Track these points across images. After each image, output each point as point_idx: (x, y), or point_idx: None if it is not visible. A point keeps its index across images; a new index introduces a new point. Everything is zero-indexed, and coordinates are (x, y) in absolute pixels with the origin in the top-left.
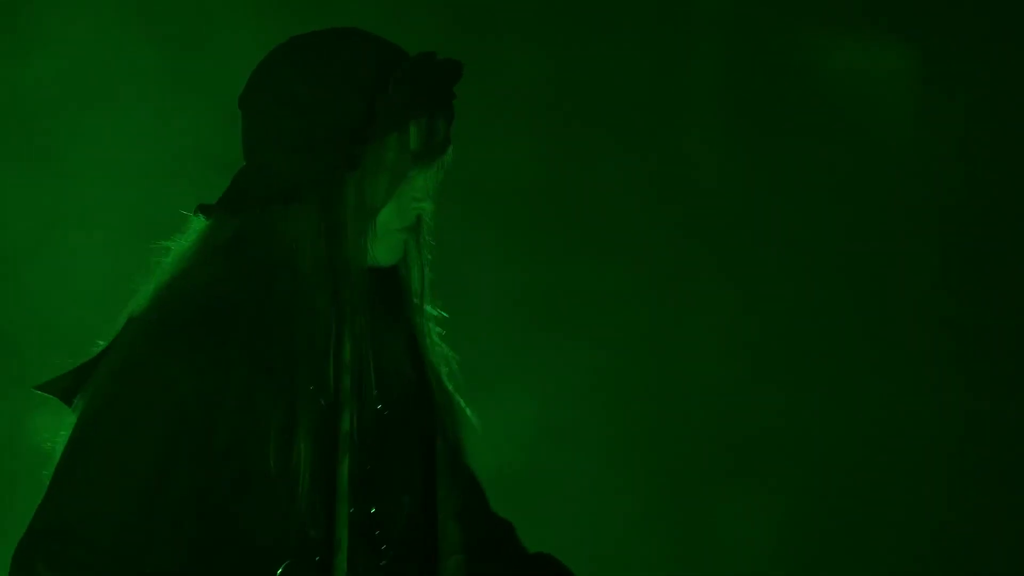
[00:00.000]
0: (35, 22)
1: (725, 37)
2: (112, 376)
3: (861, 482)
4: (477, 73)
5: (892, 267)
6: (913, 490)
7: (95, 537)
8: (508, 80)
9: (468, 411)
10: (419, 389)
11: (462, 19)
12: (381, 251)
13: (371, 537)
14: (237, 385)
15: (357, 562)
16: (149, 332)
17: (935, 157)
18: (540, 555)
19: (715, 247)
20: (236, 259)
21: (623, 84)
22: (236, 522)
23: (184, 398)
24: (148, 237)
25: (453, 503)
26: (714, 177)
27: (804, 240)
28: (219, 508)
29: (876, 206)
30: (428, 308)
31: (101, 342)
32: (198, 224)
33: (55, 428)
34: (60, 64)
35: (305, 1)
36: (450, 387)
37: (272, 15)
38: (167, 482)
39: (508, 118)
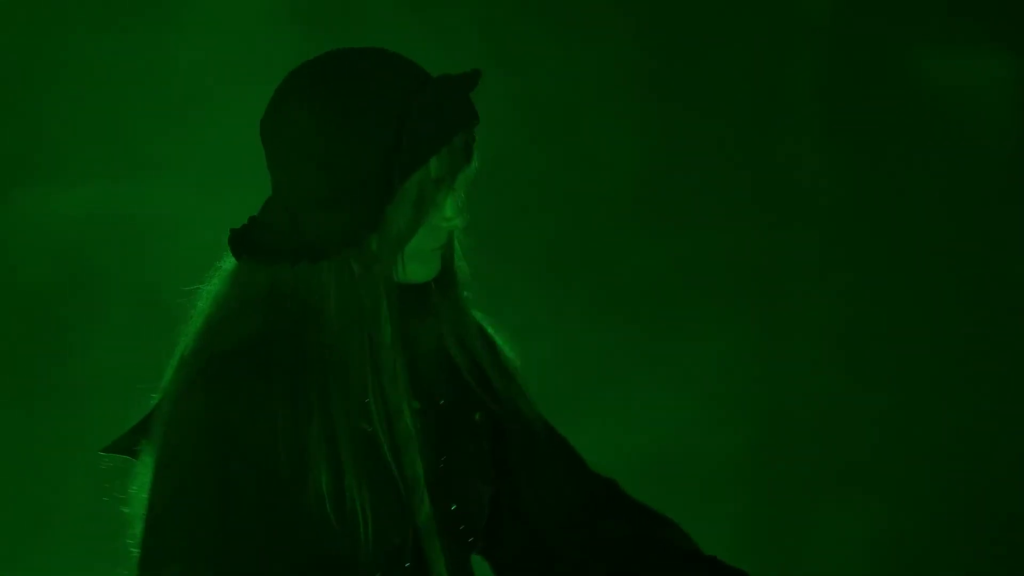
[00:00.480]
0: (185, 8)
1: (826, 44)
2: (168, 426)
3: (966, 489)
4: (583, 70)
5: (996, 272)
6: (1020, 497)
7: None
8: (612, 77)
9: (526, 387)
10: (468, 383)
11: (560, 17)
12: (417, 272)
13: (456, 533)
14: (285, 426)
15: (449, 559)
16: (196, 381)
17: None
18: (647, 509)
19: (819, 252)
20: (273, 312)
21: (724, 87)
22: (320, 548)
23: (238, 438)
24: None
25: (537, 482)
26: (816, 181)
27: (908, 246)
28: (299, 540)
29: (979, 211)
30: (464, 302)
31: (154, 396)
32: (228, 265)
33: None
34: (207, 51)
35: None
36: (510, 368)
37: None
38: (239, 520)
39: (608, 114)
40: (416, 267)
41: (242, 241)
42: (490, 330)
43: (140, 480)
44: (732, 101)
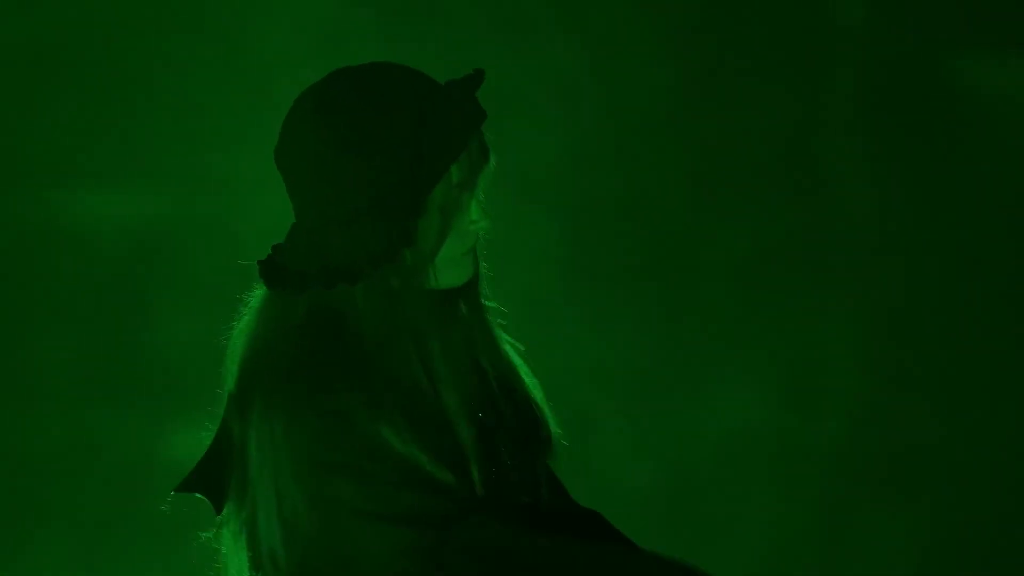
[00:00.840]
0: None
1: (860, 49)
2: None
3: (1009, 498)
4: (615, 77)
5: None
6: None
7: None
8: (649, 84)
9: (547, 410)
10: (496, 402)
11: (600, 21)
12: (454, 279)
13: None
14: (360, 426)
15: None
16: (269, 388)
17: None
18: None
19: (858, 260)
20: (313, 337)
21: (759, 94)
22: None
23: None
24: None
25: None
26: (853, 190)
27: (950, 254)
28: None
29: (1015, 215)
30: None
31: (207, 432)
32: (257, 299)
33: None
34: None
35: None
36: (529, 384)
37: None
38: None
39: (648, 123)
40: (450, 273)
41: (272, 271)
42: (511, 350)
43: (230, 529)
44: (767, 107)
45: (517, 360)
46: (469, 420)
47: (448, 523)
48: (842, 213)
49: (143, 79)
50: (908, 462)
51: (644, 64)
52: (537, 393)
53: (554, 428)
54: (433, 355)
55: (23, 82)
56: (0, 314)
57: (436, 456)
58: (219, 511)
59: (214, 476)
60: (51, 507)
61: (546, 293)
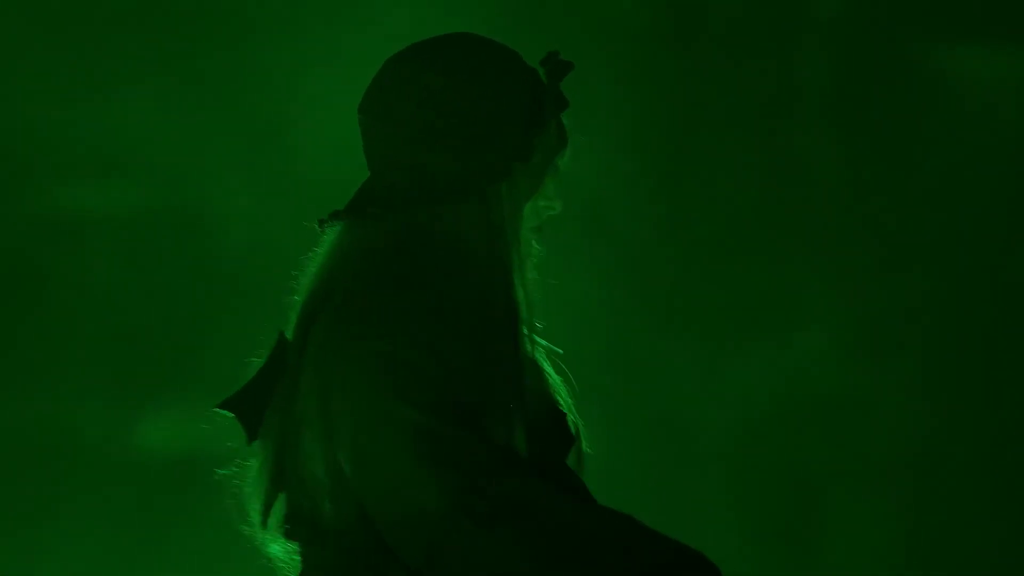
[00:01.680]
0: None
1: (837, 41)
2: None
3: (983, 492)
4: (595, 70)
5: (1014, 266)
6: (978, 523)
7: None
8: (624, 73)
9: (583, 433)
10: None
11: (566, 17)
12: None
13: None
14: (420, 363)
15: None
16: (330, 332)
17: None
18: None
19: (831, 248)
20: (399, 256)
21: (734, 84)
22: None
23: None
24: None
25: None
26: (826, 179)
27: (924, 241)
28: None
29: (991, 205)
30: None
31: (255, 359)
32: (331, 236)
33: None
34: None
35: None
36: (564, 400)
37: None
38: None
39: (620, 110)
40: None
41: (360, 201)
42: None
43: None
44: (742, 97)
45: (546, 365)
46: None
47: (496, 472)
48: (817, 200)
49: (125, 69)
50: (887, 453)
51: (613, 47)
52: (565, 399)
53: (582, 435)
54: (531, 282)
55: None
56: None
57: (490, 404)
58: (252, 439)
59: (254, 403)
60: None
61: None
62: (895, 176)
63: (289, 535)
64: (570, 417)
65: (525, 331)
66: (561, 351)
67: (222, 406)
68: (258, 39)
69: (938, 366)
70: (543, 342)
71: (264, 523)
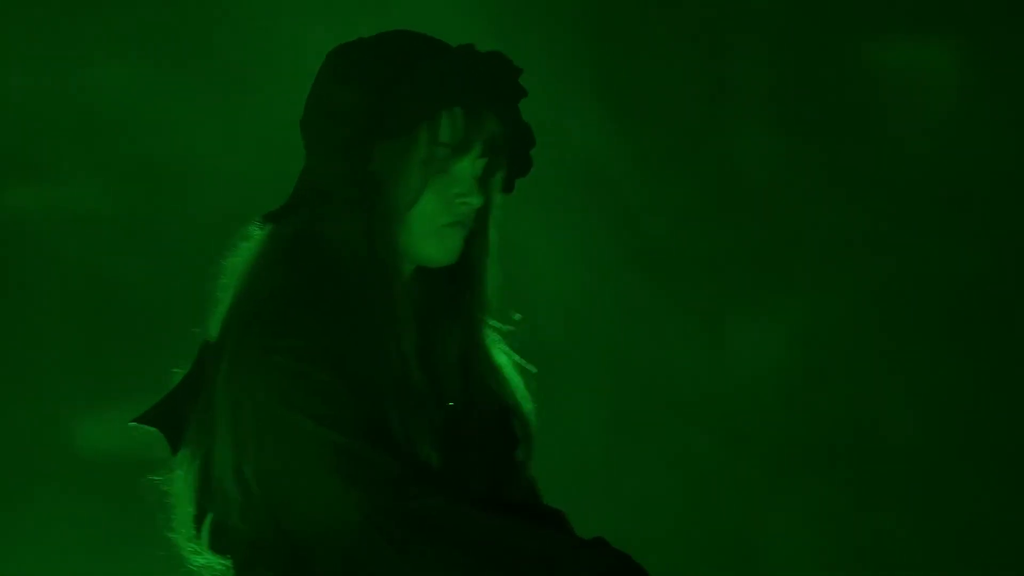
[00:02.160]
0: None
1: (770, 38)
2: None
3: (909, 486)
4: (537, 67)
5: (943, 256)
6: (964, 494)
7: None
8: (562, 70)
9: (531, 419)
10: (472, 396)
11: (499, 18)
12: (433, 247)
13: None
14: (325, 375)
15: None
16: (239, 346)
17: (977, 154)
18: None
19: (769, 244)
20: (294, 267)
21: (669, 81)
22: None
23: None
24: None
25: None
26: (761, 174)
27: (861, 234)
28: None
29: (918, 204)
30: (487, 316)
31: (178, 370)
32: (257, 234)
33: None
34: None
35: None
36: (516, 396)
37: None
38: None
39: (560, 108)
40: (430, 243)
41: (274, 210)
42: (502, 355)
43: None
44: (678, 94)
45: (503, 361)
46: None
47: (399, 487)
48: (756, 195)
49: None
50: (829, 449)
51: (555, 44)
52: (522, 396)
53: (531, 429)
54: (397, 300)
55: None
56: None
57: (396, 417)
58: (175, 451)
59: (176, 414)
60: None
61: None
62: (829, 167)
63: (214, 547)
64: (520, 413)
65: (404, 335)
66: (512, 327)
67: (140, 420)
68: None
69: (878, 356)
70: (496, 334)
71: (198, 535)
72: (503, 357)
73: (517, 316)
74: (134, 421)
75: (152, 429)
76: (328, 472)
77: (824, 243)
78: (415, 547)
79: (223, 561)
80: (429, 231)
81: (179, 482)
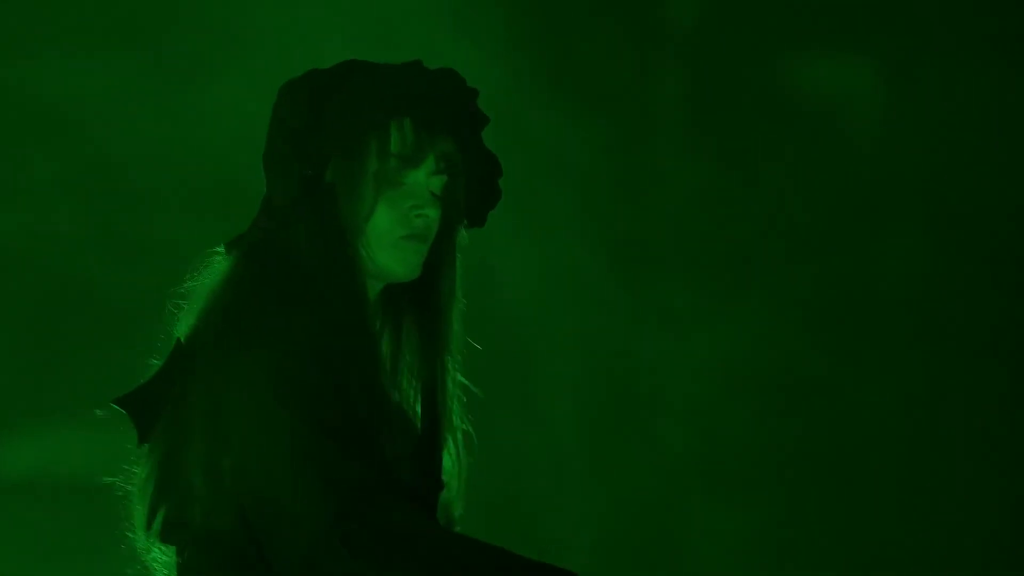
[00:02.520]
0: None
1: (691, 54)
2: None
3: (833, 497)
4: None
5: (861, 269)
6: (888, 505)
7: None
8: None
9: (461, 455)
10: (426, 424)
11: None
12: (393, 263)
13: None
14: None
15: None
16: (220, 344)
17: (902, 169)
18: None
19: (687, 260)
20: (263, 277)
21: (589, 95)
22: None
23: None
24: None
25: None
26: (681, 187)
27: (773, 249)
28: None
29: (844, 213)
30: (451, 351)
31: (155, 360)
32: (222, 258)
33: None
34: None
35: None
36: (458, 425)
37: None
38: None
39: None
40: (388, 255)
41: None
42: (455, 376)
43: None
44: (597, 108)
45: (448, 398)
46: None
47: (372, 496)
48: (676, 211)
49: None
50: (752, 460)
51: (468, 52)
52: (448, 440)
53: (463, 477)
54: (355, 330)
55: None
56: None
57: (364, 428)
58: (142, 441)
59: (147, 406)
60: None
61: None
62: (748, 181)
63: (165, 539)
64: (456, 457)
65: (370, 346)
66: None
67: (118, 402)
68: None
69: (799, 371)
70: (456, 376)
71: (149, 528)
72: (454, 396)
73: (478, 347)
74: (113, 402)
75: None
76: (306, 470)
77: (734, 261)
78: (375, 556)
79: (169, 553)
80: (386, 244)
81: (140, 477)
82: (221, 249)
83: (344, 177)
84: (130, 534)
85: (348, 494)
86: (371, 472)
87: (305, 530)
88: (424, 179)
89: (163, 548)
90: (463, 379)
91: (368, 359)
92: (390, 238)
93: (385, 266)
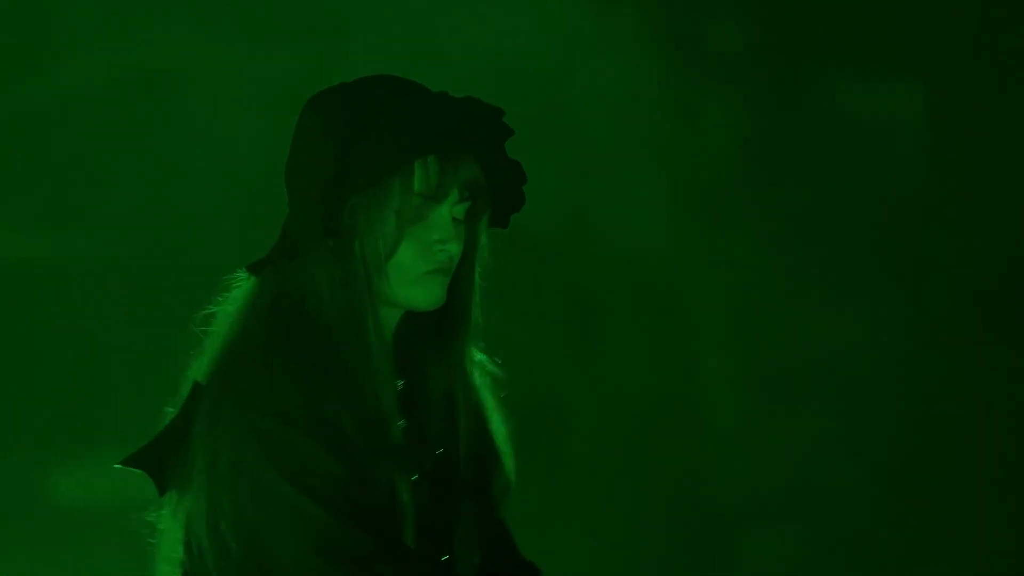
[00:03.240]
0: None
1: (737, 80)
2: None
3: (880, 524)
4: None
5: (910, 295)
6: (936, 535)
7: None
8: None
9: (509, 464)
10: (456, 437)
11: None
12: (416, 295)
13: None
14: (299, 437)
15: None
16: (219, 402)
17: (944, 195)
18: None
19: (737, 281)
20: (276, 324)
21: (639, 116)
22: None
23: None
24: None
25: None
26: (732, 212)
27: (813, 268)
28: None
29: (890, 238)
30: (471, 354)
31: (170, 409)
32: (244, 283)
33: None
34: None
35: None
36: (496, 438)
37: None
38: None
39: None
40: (412, 290)
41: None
42: (487, 396)
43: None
44: (649, 130)
45: (487, 402)
46: (403, 456)
47: (366, 565)
48: (724, 234)
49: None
50: (776, 489)
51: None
52: (501, 440)
53: (510, 473)
54: (370, 355)
55: None
56: None
57: (366, 484)
58: (162, 493)
59: (162, 458)
60: None
61: None
62: (799, 208)
63: None
64: (497, 457)
65: (385, 395)
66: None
67: (126, 462)
68: None
69: (841, 396)
70: (482, 373)
71: (181, 572)
72: (488, 397)
73: (498, 360)
74: (121, 463)
75: (138, 472)
76: (298, 539)
77: (783, 284)
78: None
79: None
80: (410, 280)
81: (166, 519)
82: (243, 273)
83: (367, 217)
84: (161, 568)
85: (343, 564)
86: (370, 540)
87: None
88: (447, 211)
89: None
90: (495, 393)
91: (379, 409)
92: (414, 274)
93: (407, 300)
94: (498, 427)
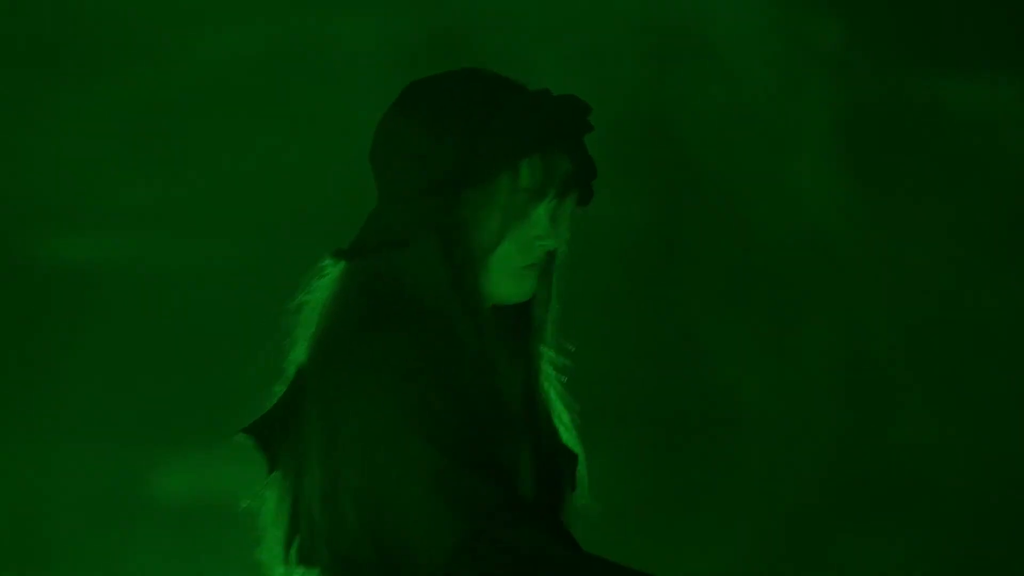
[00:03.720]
0: None
1: (840, 75)
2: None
3: (986, 525)
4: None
5: (1013, 300)
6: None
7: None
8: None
9: (582, 461)
10: (538, 434)
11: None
12: (509, 289)
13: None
14: (420, 397)
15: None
16: (337, 368)
17: None
18: None
19: (838, 284)
20: (378, 301)
21: (739, 120)
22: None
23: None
24: None
25: None
26: (829, 214)
27: (933, 276)
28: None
29: (998, 238)
30: (546, 350)
31: (278, 387)
32: (332, 271)
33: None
34: None
35: None
36: (566, 435)
37: None
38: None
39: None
40: (508, 284)
41: (348, 247)
42: (558, 391)
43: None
44: (747, 133)
45: (555, 399)
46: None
47: (496, 515)
48: (824, 236)
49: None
50: (879, 487)
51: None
52: (573, 437)
53: (583, 469)
54: (487, 333)
55: None
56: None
57: (488, 441)
58: (271, 470)
59: (274, 434)
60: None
61: None
62: (900, 207)
63: (303, 563)
64: (572, 454)
65: (501, 370)
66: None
67: (246, 430)
68: None
69: (945, 393)
70: (551, 369)
71: (287, 556)
72: (555, 394)
73: (571, 348)
74: (242, 431)
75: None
76: (428, 493)
77: (885, 284)
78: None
79: (311, 572)
80: (507, 274)
81: (270, 503)
82: (329, 261)
83: (475, 209)
84: (262, 557)
85: (476, 514)
86: (498, 490)
87: (434, 554)
88: (545, 207)
89: (304, 572)
90: (561, 391)
91: (494, 383)
92: (512, 268)
93: (501, 293)
94: (568, 427)
